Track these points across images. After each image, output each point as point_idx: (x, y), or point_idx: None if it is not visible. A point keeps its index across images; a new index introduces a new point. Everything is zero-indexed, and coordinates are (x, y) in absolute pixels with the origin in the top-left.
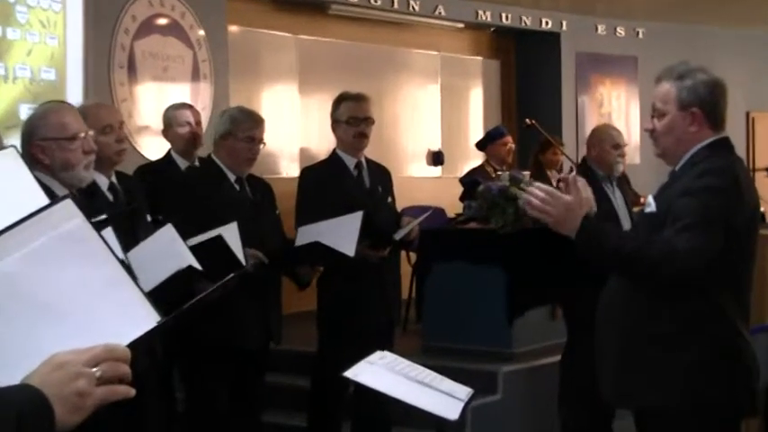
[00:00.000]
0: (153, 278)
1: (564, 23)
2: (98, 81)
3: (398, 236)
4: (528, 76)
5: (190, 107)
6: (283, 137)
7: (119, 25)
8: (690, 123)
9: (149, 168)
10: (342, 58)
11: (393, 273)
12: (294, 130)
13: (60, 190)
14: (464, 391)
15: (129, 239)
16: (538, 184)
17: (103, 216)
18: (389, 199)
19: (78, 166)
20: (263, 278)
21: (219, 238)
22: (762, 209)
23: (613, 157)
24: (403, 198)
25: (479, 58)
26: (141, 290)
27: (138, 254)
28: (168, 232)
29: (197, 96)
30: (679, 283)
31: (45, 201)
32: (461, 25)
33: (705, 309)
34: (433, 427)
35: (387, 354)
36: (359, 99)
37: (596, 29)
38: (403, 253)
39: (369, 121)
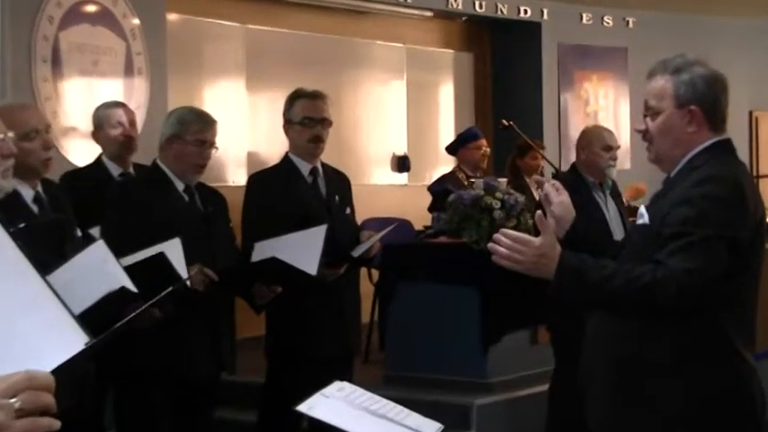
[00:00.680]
0: (80, 301)
1: (545, 12)
2: (17, 77)
3: (357, 252)
4: (505, 71)
5: (123, 106)
6: (229, 140)
7: (41, 13)
8: (688, 123)
9: (78, 175)
10: (295, 50)
11: (351, 293)
12: (241, 131)
13: None
14: (433, 427)
15: (55, 256)
16: (502, 230)
17: (22, 224)
18: (348, 210)
19: None
20: (215, 300)
21: (161, 256)
22: None
23: (604, 161)
24: (364, 209)
25: (450, 50)
26: (68, 308)
27: (64, 273)
28: (99, 250)
29: (131, 94)
30: (678, 309)
31: None
32: (430, 14)
33: (705, 333)
34: None
35: (345, 385)
36: (315, 97)
37: (581, 18)
38: (364, 271)
39: (326, 122)
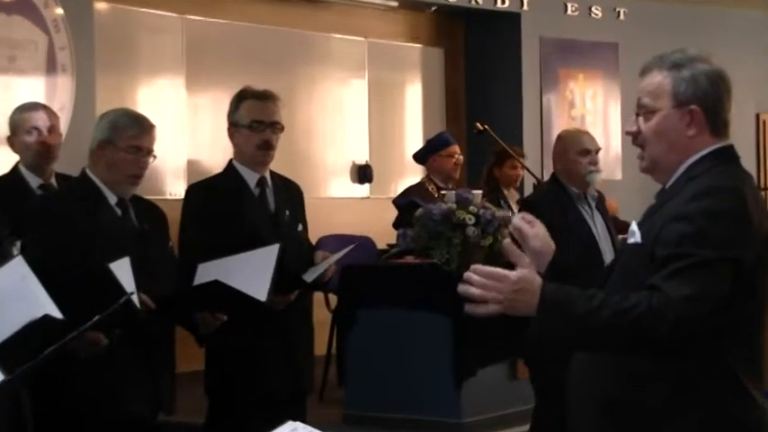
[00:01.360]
0: None
1: (525, 2)
2: None
3: (311, 276)
4: (480, 69)
5: (42, 108)
6: (167, 146)
7: None
8: (687, 125)
9: None
10: (242, 44)
11: (303, 322)
12: (181, 137)
13: None
14: None
15: None
16: (473, 267)
17: None
18: (299, 227)
19: None
20: (152, 330)
21: (106, 272)
22: None
23: (583, 167)
24: (319, 225)
25: (418, 45)
26: None
27: None
28: (17, 268)
29: (53, 94)
30: (678, 343)
31: None
32: (395, 3)
33: (708, 370)
34: None
35: (299, 425)
36: (264, 98)
37: (566, 8)
38: (319, 296)
39: (277, 126)
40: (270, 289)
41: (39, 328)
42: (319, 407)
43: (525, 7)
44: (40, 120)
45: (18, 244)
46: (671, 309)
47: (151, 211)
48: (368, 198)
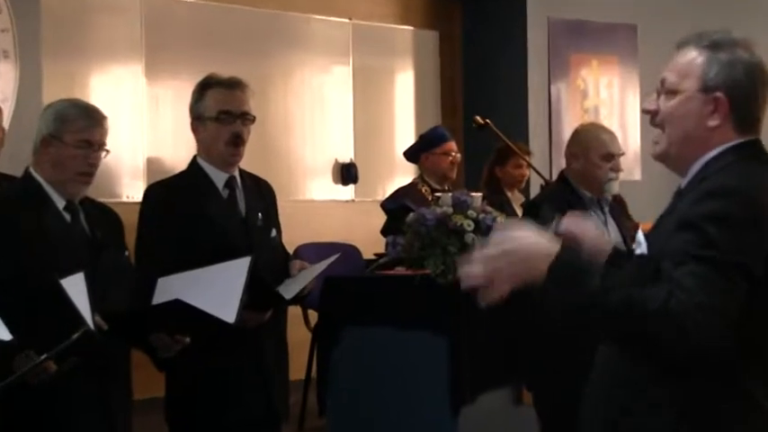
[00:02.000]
0: None
1: None
2: None
3: (289, 293)
4: (479, 55)
5: None
6: (123, 142)
7: None
8: (710, 113)
9: None
10: (209, 27)
11: (278, 342)
12: (139, 131)
13: None
14: None
15: None
16: (473, 253)
17: None
18: (274, 232)
19: None
20: (105, 353)
21: (57, 289)
22: None
23: (604, 173)
24: (298, 231)
25: (409, 27)
26: None
27: None
28: None
29: None
30: (690, 359)
31: None
32: None
33: (720, 389)
34: None
35: None
36: (232, 86)
37: None
38: (297, 312)
39: (247, 117)
40: (239, 309)
41: None
42: None
43: None
44: None
45: None
46: (690, 315)
47: (104, 216)
48: (352, 201)
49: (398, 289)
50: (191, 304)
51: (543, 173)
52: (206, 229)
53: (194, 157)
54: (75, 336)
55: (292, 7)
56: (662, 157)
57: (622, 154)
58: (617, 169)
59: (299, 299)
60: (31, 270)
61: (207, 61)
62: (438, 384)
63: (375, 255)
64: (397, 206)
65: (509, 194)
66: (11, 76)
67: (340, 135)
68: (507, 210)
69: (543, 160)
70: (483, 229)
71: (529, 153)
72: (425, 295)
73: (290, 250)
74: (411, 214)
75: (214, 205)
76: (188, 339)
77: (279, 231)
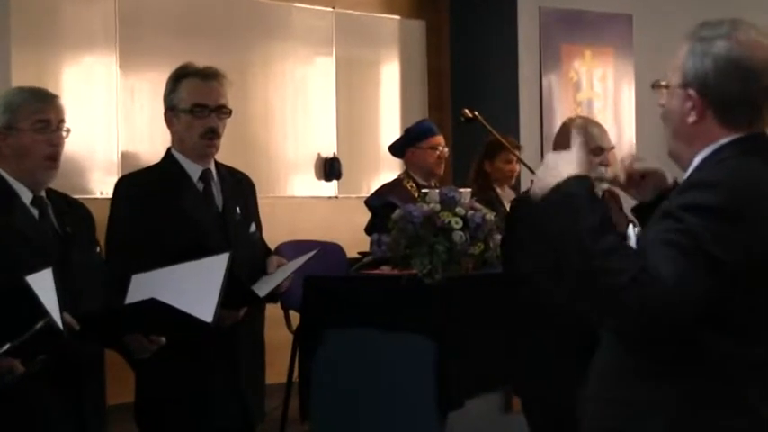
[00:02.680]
0: None
1: None
2: None
3: (264, 290)
4: (468, 46)
5: None
6: (97, 136)
7: None
8: (689, 110)
9: None
10: (186, 16)
11: (254, 342)
12: (113, 125)
13: None
14: None
15: None
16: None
17: None
18: (253, 227)
19: None
20: (77, 354)
21: (22, 284)
22: None
23: (593, 168)
24: (278, 229)
25: (395, 16)
26: None
27: None
28: None
29: None
30: (658, 328)
31: None
32: None
33: (720, 397)
34: None
35: None
36: (207, 76)
37: None
38: (278, 312)
39: (223, 110)
40: (218, 308)
41: None
42: None
43: None
44: None
45: None
46: (656, 294)
47: (74, 210)
48: (335, 197)
49: (384, 289)
50: (167, 303)
51: (534, 168)
52: (180, 223)
53: (168, 149)
54: (38, 326)
55: None
56: (669, 155)
57: (612, 148)
58: (607, 164)
59: (274, 296)
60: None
61: (184, 51)
62: (425, 389)
63: (359, 254)
64: (381, 203)
65: (499, 190)
66: None
67: (322, 128)
68: (497, 206)
69: (534, 155)
70: (471, 227)
71: (519, 147)
72: (412, 296)
73: (271, 248)
74: (397, 211)
75: (189, 199)
76: (164, 340)
77: (259, 227)
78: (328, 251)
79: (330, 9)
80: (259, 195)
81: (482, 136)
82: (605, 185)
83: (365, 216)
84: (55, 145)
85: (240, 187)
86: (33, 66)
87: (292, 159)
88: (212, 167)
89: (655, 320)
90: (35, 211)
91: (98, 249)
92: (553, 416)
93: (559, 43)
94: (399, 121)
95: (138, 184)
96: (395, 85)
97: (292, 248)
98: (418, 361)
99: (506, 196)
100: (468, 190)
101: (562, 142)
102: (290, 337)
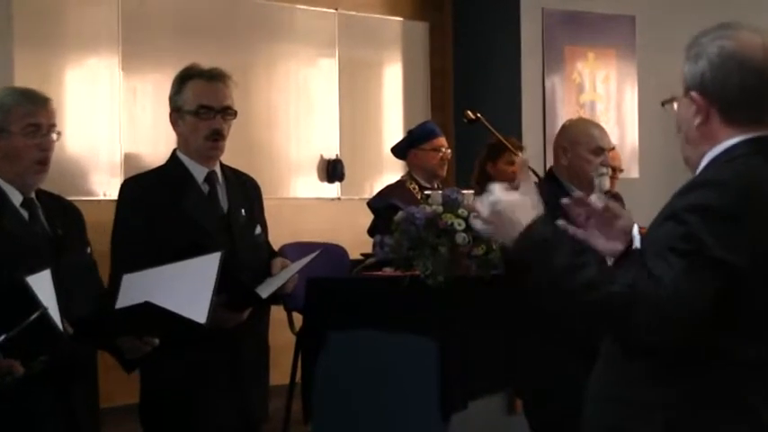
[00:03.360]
0: None
1: None
2: None
3: (266, 291)
4: (471, 48)
5: None
6: (100, 137)
7: None
8: (694, 113)
9: None
10: (189, 17)
11: (258, 343)
12: (115, 126)
13: None
14: None
15: None
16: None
17: None
18: (258, 229)
19: None
20: (66, 358)
21: (21, 285)
22: None
23: (593, 168)
24: (281, 230)
25: (398, 18)
26: None
27: None
28: None
29: None
30: (660, 343)
31: None
32: None
33: (719, 397)
34: None
35: None
36: (213, 78)
37: None
38: (281, 314)
39: (228, 111)
40: (211, 308)
41: None
42: None
43: None
44: None
45: None
46: (653, 303)
47: (64, 211)
48: (338, 199)
49: (386, 291)
50: (162, 307)
51: (537, 170)
52: (185, 225)
53: (174, 151)
54: (32, 317)
55: None
56: (686, 165)
57: (612, 149)
58: (607, 164)
59: (277, 298)
60: None
61: (187, 52)
62: (428, 390)
63: (362, 255)
64: (384, 204)
65: None
66: None
67: (325, 130)
68: None
69: (537, 157)
70: (474, 229)
71: (522, 149)
72: (414, 297)
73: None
74: (399, 213)
75: (193, 200)
76: (157, 341)
77: (264, 229)
78: (331, 253)
79: (333, 10)
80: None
81: (485, 137)
82: (606, 185)
83: (368, 218)
84: (45, 150)
85: (245, 189)
86: (36, 67)
87: (295, 161)
88: (217, 169)
89: (664, 333)
90: (25, 213)
91: (89, 250)
92: (555, 418)
93: (562, 45)
94: (402, 123)
95: (142, 187)
96: (398, 86)
97: (295, 250)
98: (421, 362)
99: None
100: (471, 191)
101: (562, 143)
102: (293, 338)
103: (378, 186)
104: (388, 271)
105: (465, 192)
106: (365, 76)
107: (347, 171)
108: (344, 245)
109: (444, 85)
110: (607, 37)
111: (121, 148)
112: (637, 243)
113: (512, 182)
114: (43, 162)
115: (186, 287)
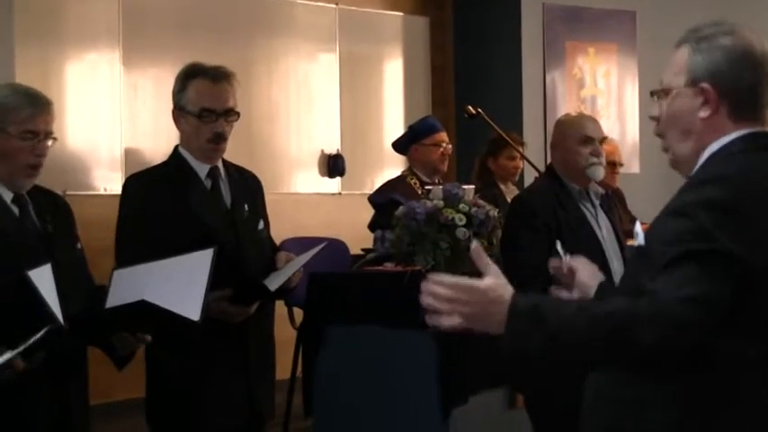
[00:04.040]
0: None
1: None
2: None
3: (274, 284)
4: (471, 43)
5: None
6: (101, 133)
7: None
8: (700, 105)
9: None
10: (189, 12)
11: (264, 338)
12: (116, 121)
13: None
14: None
15: None
16: (431, 277)
17: None
18: (261, 225)
19: None
20: (62, 354)
21: (24, 282)
22: None
23: (583, 159)
24: (282, 225)
25: (398, 13)
26: None
27: None
28: None
29: None
30: (665, 352)
31: None
32: None
33: (720, 396)
34: None
35: None
36: (217, 78)
37: None
38: (282, 309)
39: (231, 113)
40: (204, 305)
41: None
42: None
43: None
44: None
45: None
46: (664, 314)
47: (54, 206)
48: (339, 194)
49: (387, 286)
50: (157, 305)
51: (538, 165)
52: (188, 220)
53: (176, 147)
54: (45, 330)
55: None
56: (673, 164)
57: (603, 138)
58: (597, 154)
59: (284, 291)
60: None
61: (187, 48)
62: (428, 385)
63: (363, 250)
64: (385, 200)
65: (502, 187)
66: None
67: (326, 125)
68: (500, 203)
69: (538, 152)
70: (475, 224)
71: (523, 144)
72: (415, 292)
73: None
74: (400, 208)
75: (197, 196)
76: (149, 337)
77: (267, 224)
78: (332, 248)
79: (333, 5)
80: None
81: (486, 132)
82: (600, 175)
83: (368, 213)
84: (39, 155)
85: (247, 185)
86: (37, 63)
87: (296, 156)
88: (220, 165)
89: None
90: (15, 210)
91: (79, 246)
92: (556, 412)
93: (563, 40)
94: (403, 118)
95: (146, 183)
96: (398, 81)
97: (296, 245)
98: (422, 357)
99: (509, 193)
100: (472, 186)
101: (554, 138)
102: (294, 333)
103: (378, 181)
104: (388, 266)
105: (466, 187)
106: (366, 71)
107: (348, 166)
108: (345, 240)
109: (445, 80)
110: (608, 32)
111: (122, 143)
112: (639, 240)
113: (512, 177)
114: (35, 167)
115: (179, 283)
